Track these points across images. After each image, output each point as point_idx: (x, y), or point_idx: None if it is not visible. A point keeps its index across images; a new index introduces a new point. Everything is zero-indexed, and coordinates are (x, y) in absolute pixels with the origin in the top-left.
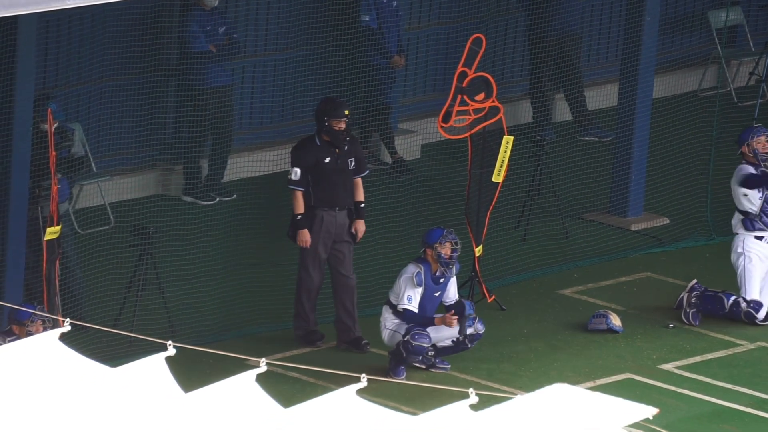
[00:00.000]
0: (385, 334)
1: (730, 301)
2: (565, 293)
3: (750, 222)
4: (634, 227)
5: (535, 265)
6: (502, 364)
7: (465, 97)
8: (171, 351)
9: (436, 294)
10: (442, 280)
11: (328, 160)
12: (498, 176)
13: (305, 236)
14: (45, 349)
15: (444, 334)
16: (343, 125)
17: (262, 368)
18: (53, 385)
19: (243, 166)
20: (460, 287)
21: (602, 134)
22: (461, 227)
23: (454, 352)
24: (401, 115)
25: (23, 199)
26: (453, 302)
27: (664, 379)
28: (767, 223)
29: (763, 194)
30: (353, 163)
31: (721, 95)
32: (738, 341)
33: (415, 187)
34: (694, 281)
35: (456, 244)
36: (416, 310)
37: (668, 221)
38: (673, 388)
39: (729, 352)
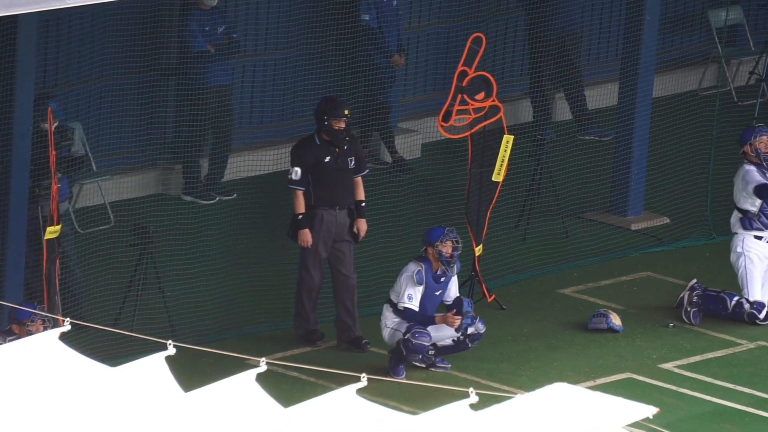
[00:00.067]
0: (386, 333)
1: (733, 302)
2: (565, 292)
3: (748, 221)
4: (634, 226)
5: (535, 265)
6: (502, 363)
7: (465, 96)
8: (171, 350)
9: (437, 293)
10: (443, 279)
11: (328, 159)
12: (498, 175)
13: (306, 236)
14: (45, 348)
15: (444, 333)
16: (342, 125)
17: (262, 368)
18: (53, 385)
19: (243, 165)
20: (460, 286)
21: (602, 133)
22: (461, 226)
23: (455, 352)
24: (401, 114)
25: (23, 199)
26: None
27: (665, 379)
28: (765, 224)
29: None
30: (353, 162)
31: (721, 94)
32: (738, 340)
33: (415, 187)
34: (694, 281)
35: (457, 242)
36: (417, 309)
37: (668, 220)
38: (674, 388)
39: (729, 351)
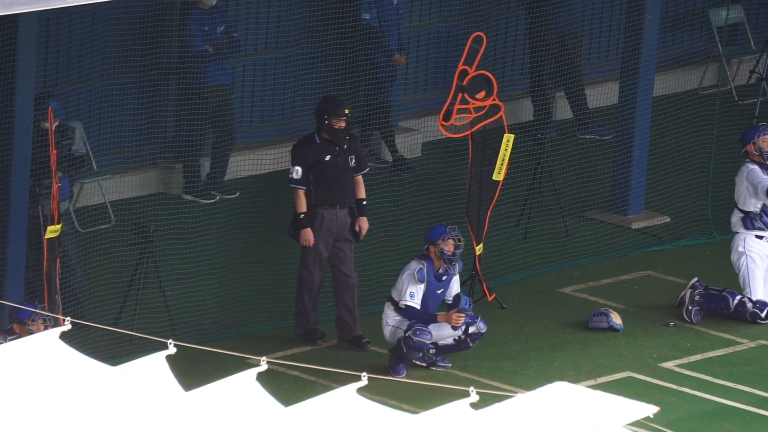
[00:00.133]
0: (387, 331)
1: (736, 301)
2: (565, 291)
3: (750, 221)
4: (634, 225)
5: (535, 264)
6: (502, 362)
7: (466, 95)
8: (172, 349)
9: (439, 291)
10: (444, 278)
11: (328, 158)
12: (499, 174)
13: (308, 235)
14: (46, 347)
15: (446, 332)
16: (343, 124)
17: (263, 367)
18: (54, 384)
19: (243, 164)
20: (461, 286)
21: (603, 132)
22: (462, 225)
23: (456, 351)
24: (402, 113)
25: (24, 198)
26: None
27: (665, 378)
28: (767, 223)
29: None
30: (354, 161)
31: (721, 93)
32: (739, 339)
33: (415, 186)
34: (695, 279)
35: (459, 240)
36: (418, 307)
37: (669, 219)
38: (674, 387)
39: (730, 350)
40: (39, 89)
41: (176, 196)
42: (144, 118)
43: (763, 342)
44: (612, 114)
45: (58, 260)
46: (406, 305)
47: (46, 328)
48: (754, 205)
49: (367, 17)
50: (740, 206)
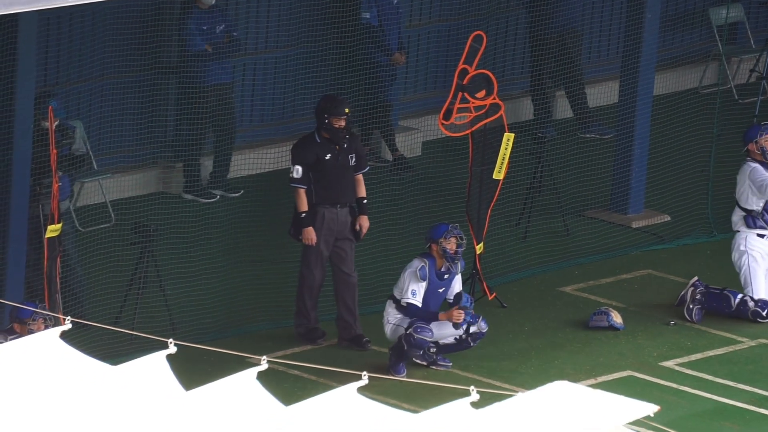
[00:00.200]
0: (388, 329)
1: (737, 300)
2: (566, 290)
3: (752, 219)
4: (635, 224)
5: (536, 263)
6: (503, 361)
7: (466, 94)
8: (172, 349)
9: (440, 290)
10: (446, 276)
11: (328, 157)
12: (499, 173)
13: (311, 234)
14: (46, 347)
15: (447, 331)
16: (343, 123)
17: (263, 366)
18: (54, 383)
19: (244, 163)
20: (461, 284)
21: (603, 131)
22: (462, 224)
23: (457, 350)
24: (402, 112)
25: (24, 197)
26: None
27: (665, 377)
28: None
29: None
30: (354, 160)
31: (721, 92)
32: (739, 338)
33: (416, 185)
34: (695, 278)
35: (461, 239)
36: (420, 305)
37: (669, 218)
38: (674, 386)
39: (730, 349)
40: (39, 88)
41: (176, 195)
42: (144, 118)
43: (764, 341)
44: (612, 113)
45: (58, 259)
46: (408, 303)
47: (46, 327)
48: (756, 204)
49: (367, 16)
50: (742, 205)
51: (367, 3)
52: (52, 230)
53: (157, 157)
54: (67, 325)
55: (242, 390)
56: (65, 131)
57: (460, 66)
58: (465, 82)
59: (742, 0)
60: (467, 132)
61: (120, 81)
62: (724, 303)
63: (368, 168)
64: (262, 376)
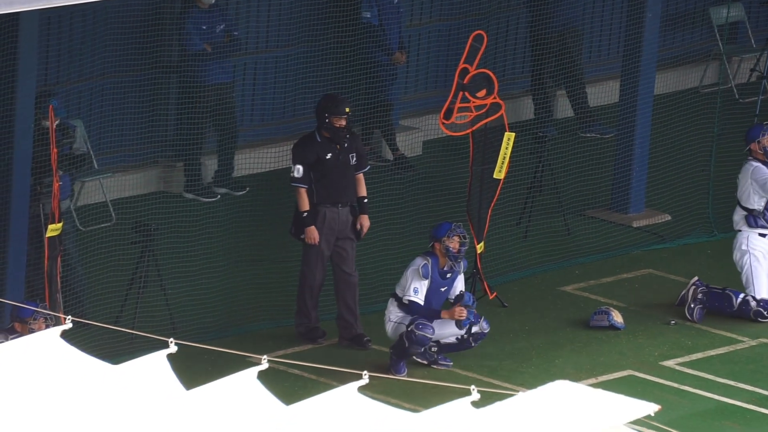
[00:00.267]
0: (389, 327)
1: (739, 300)
2: (566, 290)
3: (753, 219)
4: (635, 224)
5: (536, 262)
6: (503, 361)
7: (466, 93)
8: (173, 348)
9: (443, 289)
10: (449, 275)
11: (329, 156)
12: (499, 173)
13: (313, 233)
14: (46, 346)
15: (449, 330)
16: (343, 122)
17: (264, 365)
18: (55, 383)
19: (244, 162)
20: None
21: (604, 131)
22: (463, 224)
23: (458, 350)
24: (403, 111)
25: (25, 196)
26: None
27: (666, 376)
28: None
29: None
30: (354, 159)
31: (722, 92)
32: (740, 338)
33: (416, 184)
34: (696, 278)
35: (464, 238)
36: (422, 303)
37: (670, 218)
38: (675, 385)
39: (731, 348)
40: (40, 88)
41: (177, 194)
42: (145, 117)
43: (764, 340)
44: (613, 112)
45: (59, 259)
46: (410, 300)
47: (47, 326)
48: (758, 203)
49: (368, 15)
50: (743, 204)
51: (367, 2)
52: (53, 229)
53: (157, 157)
54: (68, 325)
55: (243, 389)
56: (66, 130)
57: (461, 65)
58: (466, 81)
59: None
60: (468, 131)
61: (120, 80)
62: (726, 303)
63: (369, 167)
64: (262, 376)
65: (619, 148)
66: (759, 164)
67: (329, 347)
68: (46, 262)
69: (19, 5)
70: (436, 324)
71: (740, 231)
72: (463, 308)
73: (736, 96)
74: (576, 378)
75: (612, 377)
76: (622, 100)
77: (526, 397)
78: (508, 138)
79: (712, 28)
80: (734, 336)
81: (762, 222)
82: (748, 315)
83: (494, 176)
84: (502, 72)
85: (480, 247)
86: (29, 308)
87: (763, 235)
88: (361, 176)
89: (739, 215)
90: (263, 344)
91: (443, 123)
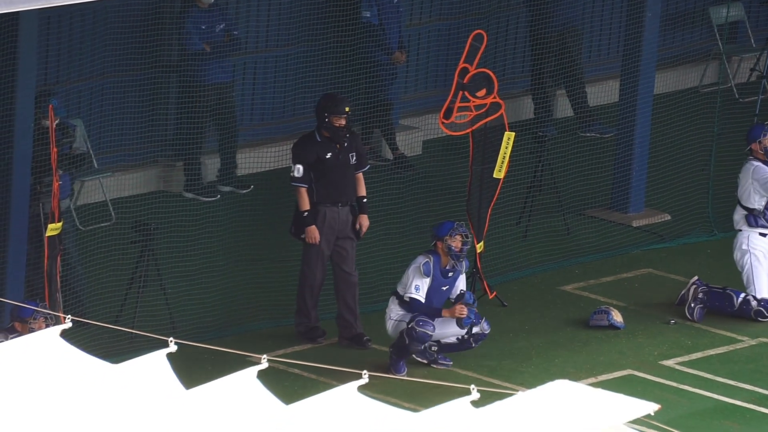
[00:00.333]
0: (390, 325)
1: (740, 299)
2: (566, 289)
3: (754, 218)
4: (635, 223)
5: (536, 262)
6: (503, 360)
7: (466, 93)
8: (172, 347)
9: (444, 288)
10: (451, 274)
11: (329, 155)
12: (499, 172)
13: (314, 232)
14: (46, 345)
15: (450, 330)
16: (343, 122)
17: (264, 365)
18: (55, 382)
19: (244, 162)
20: None
21: (603, 130)
22: (463, 223)
23: (458, 350)
24: (402, 111)
25: (25, 196)
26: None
27: (666, 376)
28: None
29: None
30: (354, 158)
31: (722, 91)
32: (739, 337)
33: (416, 184)
34: (696, 277)
35: (466, 237)
36: (423, 300)
37: (669, 217)
38: (675, 384)
39: (730, 348)
40: (40, 87)
41: (177, 193)
42: (145, 116)
43: (764, 340)
44: (613, 112)
45: (58, 258)
46: (411, 298)
47: (47, 326)
48: (758, 203)
49: (368, 15)
50: (743, 203)
51: (367, 2)
52: (53, 229)
53: (157, 156)
54: (68, 324)
55: (242, 389)
56: (66, 130)
57: (461, 65)
58: (465, 80)
59: None
60: (468, 131)
61: (120, 79)
62: (727, 302)
63: (368, 167)
64: (262, 375)
65: (619, 148)
66: (760, 163)
67: (329, 347)
68: (45, 261)
69: (19, 5)
70: (437, 323)
71: (741, 230)
72: (463, 306)
73: (736, 95)
74: (576, 377)
75: (612, 377)
76: (621, 100)
77: (526, 396)
78: (508, 137)
79: (712, 28)
80: (734, 335)
81: (762, 221)
82: (749, 315)
83: (494, 176)
84: (502, 71)
85: (480, 247)
86: (29, 308)
87: (764, 235)
88: (360, 176)
89: (739, 215)
90: (263, 344)
91: (443, 122)
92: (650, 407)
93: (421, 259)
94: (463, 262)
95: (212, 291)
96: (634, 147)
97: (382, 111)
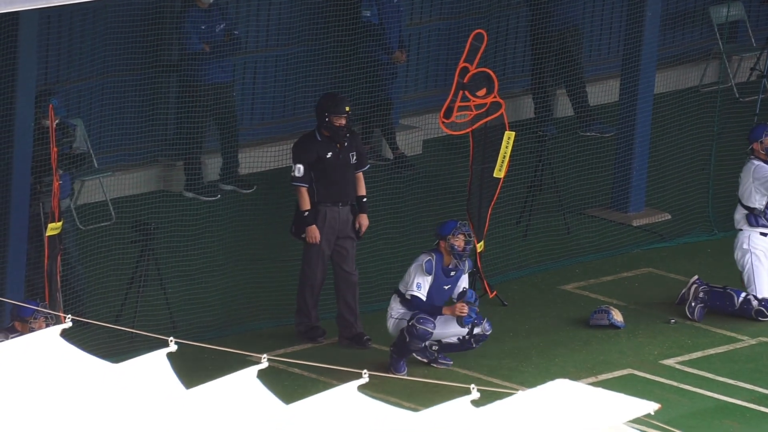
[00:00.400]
0: (391, 323)
1: (740, 299)
2: (566, 289)
3: (754, 218)
4: (635, 223)
5: (536, 261)
6: (503, 359)
7: (466, 92)
8: (172, 347)
9: (446, 287)
10: (453, 273)
11: (329, 155)
12: (499, 172)
13: (314, 232)
14: (46, 345)
15: (450, 330)
16: (343, 121)
17: (264, 364)
18: (55, 382)
19: (244, 161)
20: None
21: (604, 130)
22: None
23: (459, 351)
24: (403, 110)
25: (25, 195)
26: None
27: (666, 375)
28: None
29: None
30: (354, 158)
31: (722, 91)
32: (739, 336)
33: (416, 183)
34: (696, 277)
35: (469, 236)
36: (424, 298)
37: (669, 217)
38: (675, 384)
39: (730, 347)
40: (40, 87)
41: (177, 193)
42: (145, 116)
43: (764, 339)
44: (613, 111)
45: (59, 258)
46: (412, 295)
47: (48, 326)
48: (759, 202)
49: (368, 14)
50: (744, 203)
51: (367, 1)
52: (53, 228)
53: (157, 155)
54: (68, 324)
55: (243, 388)
56: (66, 129)
57: (461, 64)
58: (466, 80)
59: None
60: (468, 130)
61: (120, 79)
62: (727, 302)
63: (369, 166)
64: (262, 375)
65: (619, 147)
66: (761, 163)
67: (329, 346)
68: (46, 261)
69: (19, 4)
70: (438, 322)
71: (741, 230)
72: (464, 305)
73: (736, 95)
74: (576, 377)
75: (612, 376)
76: (622, 99)
77: (526, 396)
78: (508, 137)
79: (712, 27)
80: (734, 335)
81: (763, 221)
82: (749, 314)
83: (494, 175)
84: (503, 71)
85: (480, 246)
86: (29, 307)
87: (765, 234)
88: (360, 175)
89: (740, 214)
90: (263, 343)
91: (443, 122)
92: (650, 407)
93: (424, 257)
94: (466, 262)
95: (212, 290)
96: (635, 146)
97: (383, 110)
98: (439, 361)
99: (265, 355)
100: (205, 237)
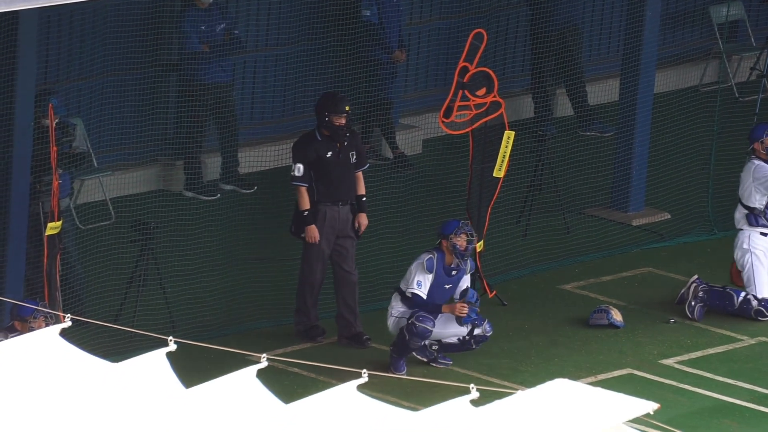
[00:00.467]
0: (391, 322)
1: (740, 298)
2: (566, 288)
3: (755, 217)
4: (635, 222)
5: (536, 260)
6: (503, 359)
7: (466, 92)
8: (172, 346)
9: (447, 286)
10: (454, 273)
11: (329, 154)
12: (499, 171)
13: (314, 232)
14: (46, 344)
15: (450, 330)
16: (343, 121)
17: (263, 364)
18: (54, 381)
19: (244, 161)
20: None
21: (604, 129)
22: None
23: (459, 351)
24: (402, 110)
25: (24, 195)
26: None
27: (665, 375)
28: None
29: None
30: (354, 157)
31: (722, 90)
32: (739, 336)
33: (416, 183)
34: (695, 276)
35: (471, 236)
36: (425, 297)
37: (669, 216)
38: (674, 383)
39: (730, 347)
40: (39, 86)
41: (177, 192)
42: (145, 115)
43: (763, 339)
44: (613, 111)
45: (58, 257)
46: (413, 293)
47: (47, 325)
48: (759, 202)
49: (368, 14)
50: (744, 203)
51: (367, 0)
52: (52, 228)
53: (157, 155)
54: (67, 323)
55: (242, 388)
56: (65, 129)
57: (461, 64)
58: (465, 79)
59: None
60: (468, 130)
61: (120, 78)
62: (727, 301)
63: (368, 165)
64: (262, 374)
65: (619, 147)
66: (761, 162)
67: (329, 346)
68: (45, 260)
69: (19, 4)
70: (438, 321)
71: (741, 230)
72: (465, 305)
73: (736, 95)
74: (575, 376)
75: (611, 376)
76: (622, 99)
77: (526, 395)
78: (508, 136)
79: (712, 27)
80: (733, 335)
81: (763, 221)
82: (749, 314)
83: (494, 175)
84: (502, 70)
85: (479, 246)
86: (29, 306)
87: (765, 234)
88: (359, 174)
89: (740, 214)
90: (263, 342)
91: (443, 121)
92: (650, 406)
93: (425, 256)
94: (468, 262)
95: (212, 290)
96: (634, 146)
97: (382, 110)
98: (439, 360)
99: (264, 355)
100: (205, 236)
